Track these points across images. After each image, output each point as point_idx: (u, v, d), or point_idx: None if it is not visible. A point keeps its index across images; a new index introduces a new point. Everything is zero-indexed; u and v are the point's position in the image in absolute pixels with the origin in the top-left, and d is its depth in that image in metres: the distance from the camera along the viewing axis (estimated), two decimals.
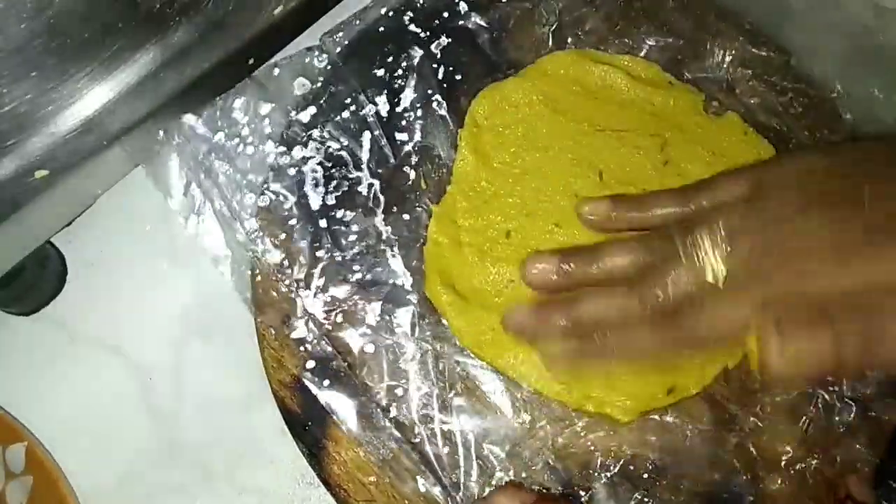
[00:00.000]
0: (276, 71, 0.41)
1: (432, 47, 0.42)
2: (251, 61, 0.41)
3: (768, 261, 0.31)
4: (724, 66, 0.43)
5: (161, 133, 0.39)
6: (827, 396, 0.38)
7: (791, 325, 0.30)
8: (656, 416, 0.38)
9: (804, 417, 0.38)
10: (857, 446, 0.38)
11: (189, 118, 0.40)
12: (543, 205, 0.39)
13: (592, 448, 0.37)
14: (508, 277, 0.38)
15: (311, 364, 0.38)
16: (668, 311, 0.32)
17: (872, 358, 0.30)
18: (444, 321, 0.38)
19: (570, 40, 0.43)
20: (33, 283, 0.41)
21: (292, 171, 0.40)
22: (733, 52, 0.43)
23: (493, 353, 0.38)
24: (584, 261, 0.36)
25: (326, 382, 0.37)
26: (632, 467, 0.37)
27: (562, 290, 0.36)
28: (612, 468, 0.37)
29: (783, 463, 0.38)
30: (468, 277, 0.39)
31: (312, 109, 0.41)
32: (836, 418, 0.38)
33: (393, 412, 0.37)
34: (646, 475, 0.37)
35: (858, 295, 0.30)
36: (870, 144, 0.36)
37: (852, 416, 0.38)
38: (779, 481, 0.37)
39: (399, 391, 0.37)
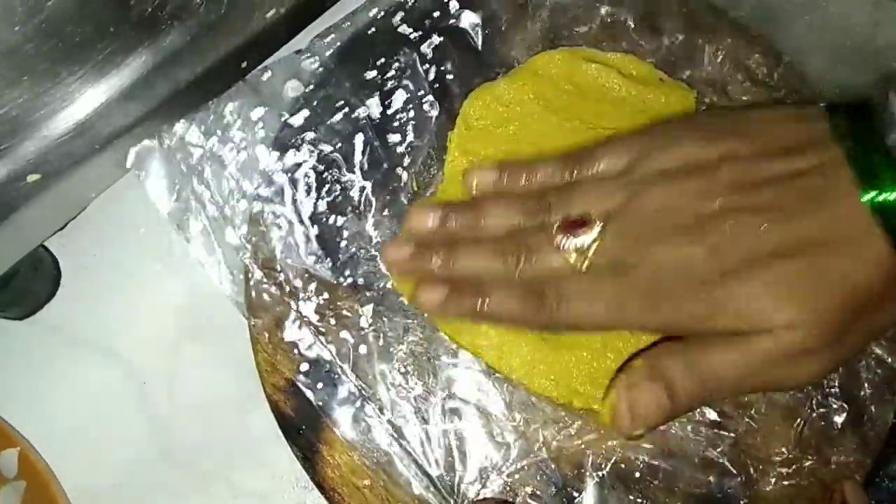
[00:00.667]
0: (267, 75, 0.41)
1: (423, 47, 0.42)
2: (245, 64, 0.41)
3: (630, 252, 0.32)
4: (717, 64, 0.43)
5: (154, 140, 0.39)
6: (821, 398, 0.38)
7: (633, 381, 0.32)
8: None
9: (798, 419, 0.38)
10: (852, 448, 0.38)
11: (180, 125, 0.40)
12: None
13: (586, 449, 0.37)
14: None
15: (304, 367, 0.38)
16: (533, 285, 0.33)
17: (707, 395, 0.32)
18: (438, 328, 0.38)
19: (562, 39, 0.43)
20: (27, 288, 0.41)
21: (284, 176, 0.40)
22: (725, 50, 0.43)
23: (473, 341, 0.38)
24: (464, 216, 0.36)
25: (320, 385, 0.37)
26: (624, 468, 0.37)
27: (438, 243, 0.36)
28: (604, 469, 0.37)
29: (777, 464, 0.38)
30: None
31: (305, 112, 0.41)
32: (831, 420, 0.38)
33: (387, 415, 0.37)
34: (639, 476, 0.37)
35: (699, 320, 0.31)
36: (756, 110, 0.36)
37: (846, 417, 0.38)
38: (773, 483, 0.37)
39: (393, 394, 0.37)
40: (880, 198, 0.29)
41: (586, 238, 0.33)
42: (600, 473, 0.37)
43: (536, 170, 0.37)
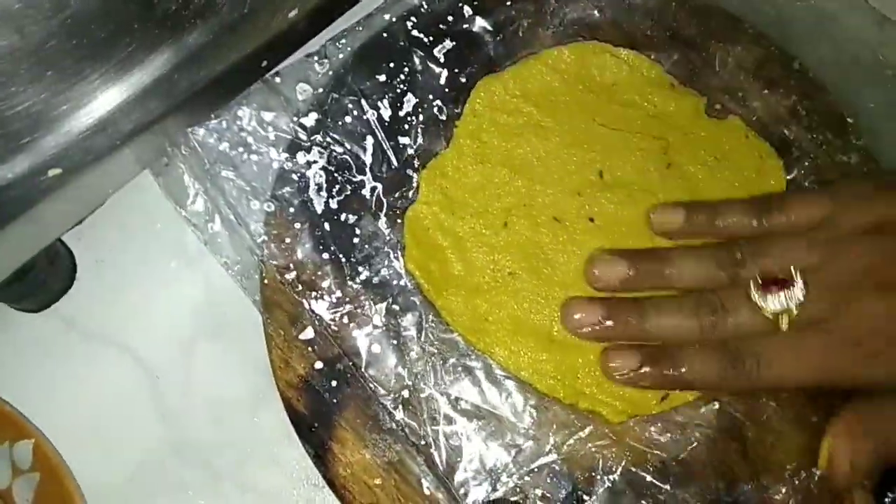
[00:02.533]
0: (279, 79, 0.42)
1: (435, 51, 0.42)
2: (265, 64, 0.41)
3: (833, 308, 0.31)
4: (728, 70, 0.43)
5: (169, 147, 0.40)
6: (831, 405, 0.38)
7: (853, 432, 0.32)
8: (660, 424, 0.38)
9: (809, 426, 0.38)
10: None
11: (195, 130, 0.40)
12: (542, 198, 0.39)
13: (596, 454, 0.37)
14: (508, 269, 0.38)
15: (318, 365, 0.38)
16: (730, 346, 0.33)
17: None
18: (450, 326, 0.38)
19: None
20: (43, 281, 0.41)
21: (296, 177, 0.41)
22: (737, 56, 0.43)
23: (488, 342, 0.38)
24: (650, 265, 0.35)
25: (334, 383, 0.38)
26: (635, 472, 0.37)
27: (620, 291, 0.36)
28: (615, 473, 0.37)
29: (788, 472, 0.38)
30: (460, 258, 0.39)
31: (316, 115, 0.41)
32: None
33: (399, 414, 0.37)
34: (650, 481, 0.37)
35: None
36: None
37: None
38: (783, 491, 0.37)
39: (405, 393, 0.38)
40: None
41: (789, 296, 0.32)
42: (611, 478, 0.37)
43: (723, 214, 0.36)
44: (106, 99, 0.36)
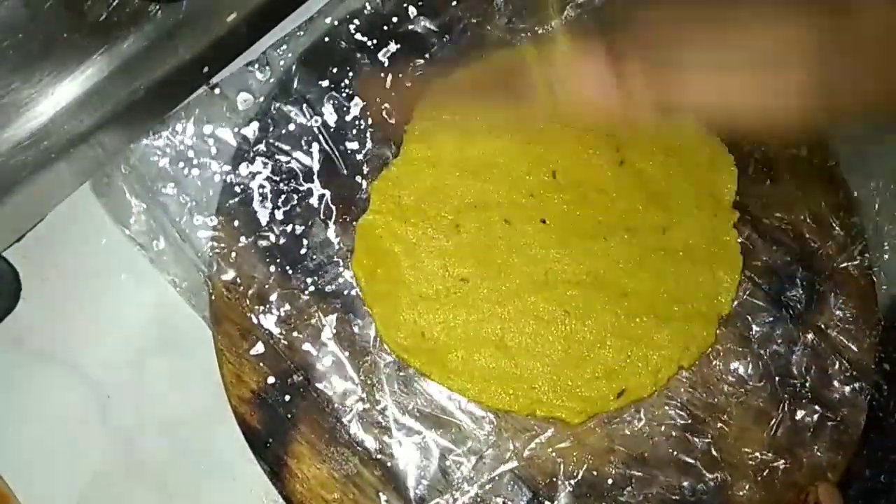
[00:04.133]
0: (218, 90, 0.41)
1: (379, 55, 0.42)
2: (206, 69, 0.40)
3: None
4: None
5: (107, 165, 0.39)
6: (792, 399, 0.38)
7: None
8: (621, 423, 0.37)
9: (770, 422, 0.38)
10: (825, 448, 0.38)
11: (135, 146, 0.39)
12: (495, 199, 0.39)
13: (557, 458, 0.37)
14: (460, 275, 0.38)
15: (271, 379, 0.37)
16: None
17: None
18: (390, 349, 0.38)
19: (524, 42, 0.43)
20: None
21: (240, 189, 0.40)
22: None
23: (425, 361, 0.37)
24: None
25: (287, 398, 0.37)
26: (597, 475, 0.37)
27: None
28: (576, 477, 0.37)
29: (751, 467, 0.37)
30: (411, 264, 0.38)
31: (258, 124, 0.40)
32: (803, 422, 0.38)
33: (354, 427, 0.36)
34: (612, 483, 0.37)
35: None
36: None
37: (818, 418, 0.38)
38: (746, 487, 0.37)
39: (360, 405, 0.37)
40: None
41: None
42: (572, 482, 0.37)
43: None
44: (38, 111, 0.35)
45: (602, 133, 0.40)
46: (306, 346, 0.37)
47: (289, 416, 0.37)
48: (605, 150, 0.40)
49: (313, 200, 0.40)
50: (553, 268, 0.39)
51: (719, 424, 0.38)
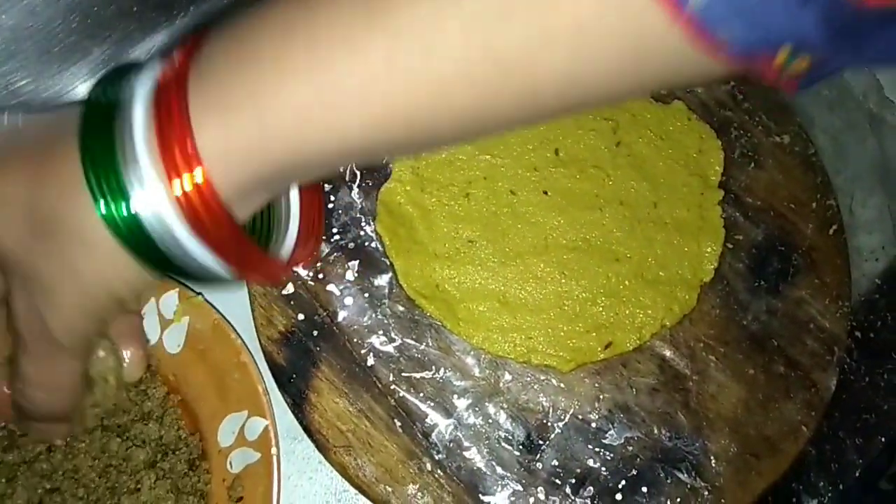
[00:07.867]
0: None
1: None
2: None
3: None
4: None
5: None
6: (768, 362, 0.42)
7: None
8: (608, 375, 0.41)
9: (747, 380, 0.42)
10: (797, 409, 0.41)
11: None
12: (501, 172, 0.43)
13: (548, 402, 0.41)
14: (468, 237, 0.42)
15: (300, 316, 0.41)
16: None
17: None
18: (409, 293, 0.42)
19: None
20: None
21: None
22: None
23: (439, 308, 0.41)
24: None
25: (313, 334, 0.41)
26: (581, 418, 0.41)
27: None
28: (565, 420, 0.40)
29: (727, 421, 0.41)
30: (427, 227, 0.42)
31: None
32: (777, 383, 0.42)
33: (370, 362, 0.41)
34: (596, 426, 0.41)
35: None
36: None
37: (791, 380, 0.42)
38: (722, 441, 0.41)
39: (377, 343, 0.41)
40: None
41: None
42: (561, 424, 0.40)
43: None
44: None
45: (601, 116, 0.44)
46: (329, 288, 0.42)
47: (311, 354, 0.41)
48: (604, 131, 0.44)
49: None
50: (552, 234, 0.43)
51: (697, 378, 0.42)
